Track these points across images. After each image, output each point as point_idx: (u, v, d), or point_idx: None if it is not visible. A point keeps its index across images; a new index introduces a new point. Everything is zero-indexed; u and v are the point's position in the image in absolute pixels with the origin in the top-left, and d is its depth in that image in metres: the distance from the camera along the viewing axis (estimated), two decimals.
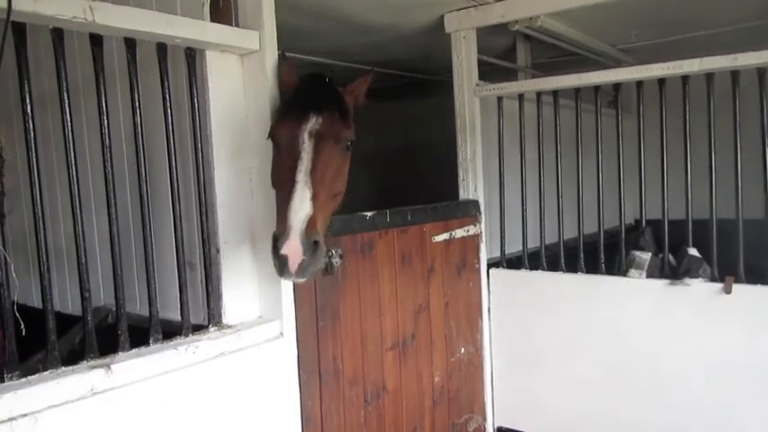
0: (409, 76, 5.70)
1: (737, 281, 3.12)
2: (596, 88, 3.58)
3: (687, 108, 3.32)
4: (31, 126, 1.92)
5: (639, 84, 3.43)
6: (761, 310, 3.06)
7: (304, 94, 2.33)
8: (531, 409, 3.87)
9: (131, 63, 2.16)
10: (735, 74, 3.14)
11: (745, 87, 3.15)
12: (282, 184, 2.15)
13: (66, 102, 2.02)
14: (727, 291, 3.12)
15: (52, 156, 2.98)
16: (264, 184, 2.48)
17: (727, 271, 3.17)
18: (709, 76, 3.20)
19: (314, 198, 2.07)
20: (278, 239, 2.01)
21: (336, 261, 2.74)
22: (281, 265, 2.02)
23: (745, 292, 3.10)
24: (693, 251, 3.52)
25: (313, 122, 2.20)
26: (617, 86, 3.53)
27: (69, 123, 2.03)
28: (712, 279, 3.23)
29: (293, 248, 1.99)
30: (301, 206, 2.04)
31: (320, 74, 2.47)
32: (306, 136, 2.18)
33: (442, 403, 3.53)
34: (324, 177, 2.17)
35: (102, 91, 2.11)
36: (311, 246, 2.03)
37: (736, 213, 3.17)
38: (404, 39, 4.28)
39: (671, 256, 3.49)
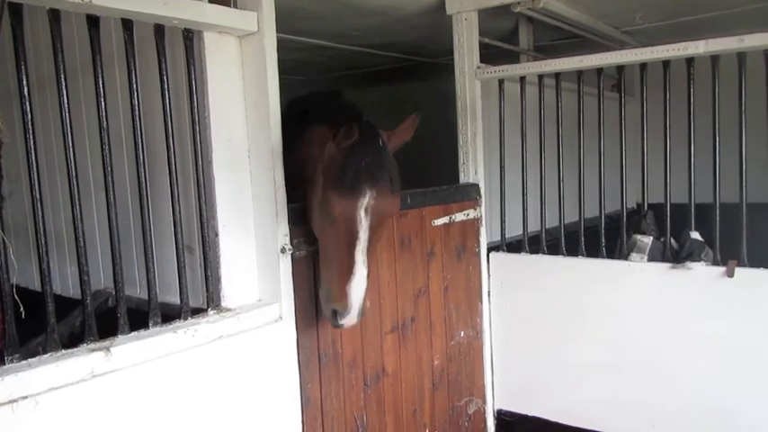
0: (410, 58, 5.66)
1: (740, 264, 3.11)
2: (599, 71, 3.54)
3: (692, 91, 3.28)
4: (29, 108, 1.91)
5: (643, 66, 3.40)
6: (763, 294, 3.06)
7: (362, 163, 2.33)
8: (531, 391, 3.89)
9: (129, 45, 2.14)
10: (741, 56, 3.10)
11: (751, 69, 3.11)
12: (337, 254, 2.35)
13: (64, 84, 2.01)
14: (730, 274, 3.11)
15: (51, 139, 2.97)
16: (263, 167, 2.47)
17: (729, 255, 3.16)
18: (715, 59, 3.17)
19: (368, 271, 2.33)
20: (339, 314, 2.32)
21: None
22: (336, 326, 2.37)
23: (747, 276, 3.09)
24: (695, 235, 3.51)
25: (374, 199, 2.34)
26: (620, 69, 3.50)
27: (67, 106, 2.02)
28: (715, 263, 3.22)
29: (351, 323, 2.34)
30: (361, 285, 2.30)
31: (374, 130, 2.46)
32: (363, 213, 2.33)
33: (442, 386, 3.54)
34: (375, 249, 2.46)
35: (100, 73, 2.09)
36: (364, 312, 2.36)
37: (739, 197, 3.15)
38: (404, 21, 4.23)
39: (673, 240, 3.48)
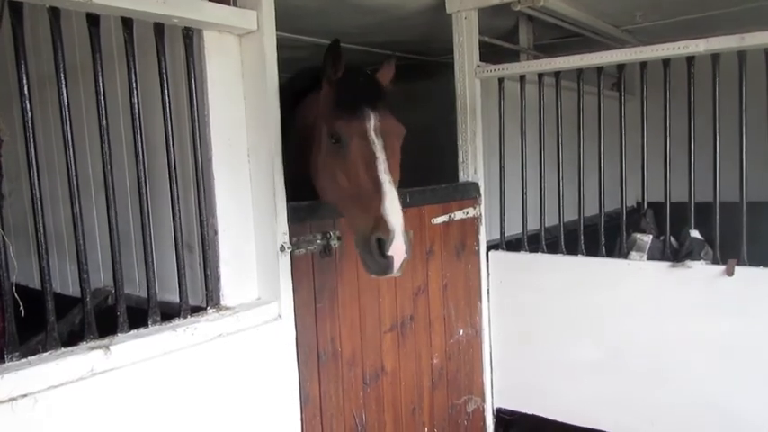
0: (410, 57, 5.65)
1: (740, 263, 3.12)
2: (599, 70, 3.54)
3: (692, 90, 3.28)
4: (29, 107, 1.91)
5: (643, 65, 3.40)
6: (763, 293, 3.06)
7: (358, 90, 2.37)
8: (530, 390, 3.90)
9: (128, 43, 2.14)
10: (741, 54, 3.10)
11: (752, 68, 3.11)
12: (360, 184, 2.25)
13: (64, 83, 2.00)
14: (730, 273, 3.11)
15: (51, 137, 2.98)
16: (262, 166, 2.48)
17: (729, 253, 3.16)
18: (715, 57, 3.16)
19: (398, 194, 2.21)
20: (384, 243, 2.10)
21: (334, 243, 2.74)
22: (386, 265, 2.14)
23: (747, 275, 3.09)
24: (695, 233, 3.52)
25: (379, 120, 2.32)
26: (620, 68, 3.49)
27: (67, 104, 2.02)
28: (714, 261, 3.22)
29: (401, 250, 2.12)
30: (396, 206, 2.16)
31: (359, 67, 2.53)
32: (374, 135, 2.30)
33: (441, 384, 3.55)
34: (396, 173, 2.33)
35: (99, 72, 2.09)
36: (410, 241, 2.17)
37: (739, 196, 3.15)
38: (404, 19, 4.23)
39: (672, 239, 3.48)
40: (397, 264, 2.15)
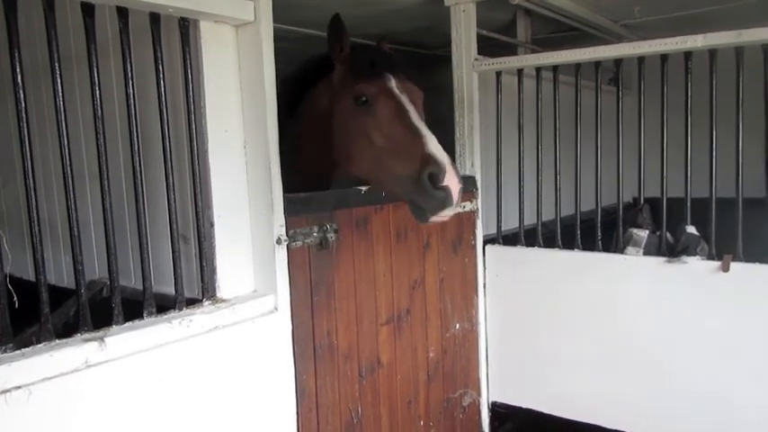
0: (406, 50, 5.63)
1: (735, 259, 3.12)
2: (597, 64, 3.53)
3: (689, 85, 3.28)
4: (22, 96, 1.89)
5: (641, 60, 3.39)
6: (758, 289, 3.07)
7: (372, 57, 2.53)
8: (525, 384, 3.91)
9: (124, 33, 2.12)
10: (739, 50, 3.09)
11: (749, 64, 3.11)
12: (398, 134, 2.32)
13: (58, 72, 1.98)
14: (725, 269, 3.11)
15: (45, 127, 2.95)
16: (259, 157, 2.46)
17: (725, 249, 3.17)
18: (713, 53, 3.16)
19: None
20: (437, 175, 2.13)
21: (331, 236, 2.73)
22: (444, 197, 2.14)
23: (742, 271, 3.10)
24: (691, 229, 3.53)
25: (397, 81, 2.44)
26: (618, 62, 3.49)
27: (61, 95, 2.00)
28: (710, 257, 3.23)
29: (455, 180, 2.15)
30: (439, 145, 2.20)
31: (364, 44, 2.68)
32: (401, 91, 2.44)
33: (437, 378, 3.55)
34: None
35: (94, 62, 2.07)
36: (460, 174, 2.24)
37: (736, 191, 3.16)
38: (401, 12, 4.21)
39: (668, 234, 3.49)
40: (454, 193, 2.15)
